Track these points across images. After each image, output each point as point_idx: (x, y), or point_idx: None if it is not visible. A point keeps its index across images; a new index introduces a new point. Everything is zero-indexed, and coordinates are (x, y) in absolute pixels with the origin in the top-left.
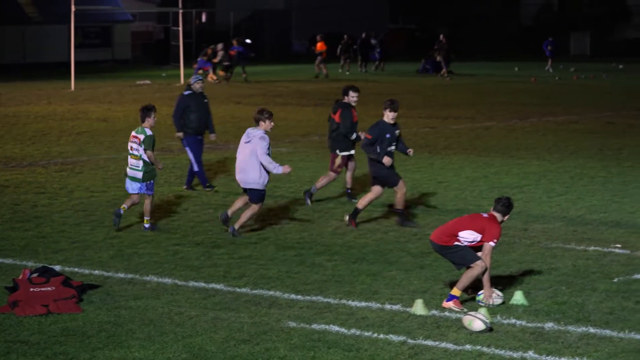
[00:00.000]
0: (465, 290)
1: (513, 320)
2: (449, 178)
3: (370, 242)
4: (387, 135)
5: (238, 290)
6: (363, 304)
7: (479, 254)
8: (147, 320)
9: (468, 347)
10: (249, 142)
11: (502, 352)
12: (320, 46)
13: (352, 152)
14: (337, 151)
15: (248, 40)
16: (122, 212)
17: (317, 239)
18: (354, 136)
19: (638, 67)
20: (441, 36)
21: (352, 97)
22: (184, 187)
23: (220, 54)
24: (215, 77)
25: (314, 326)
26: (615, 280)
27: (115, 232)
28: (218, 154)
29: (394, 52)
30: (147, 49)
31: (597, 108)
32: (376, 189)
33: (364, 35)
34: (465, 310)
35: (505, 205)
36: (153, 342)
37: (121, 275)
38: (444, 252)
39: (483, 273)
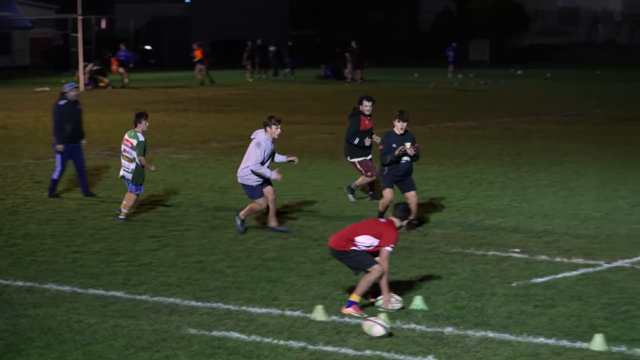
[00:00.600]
0: (364, 295)
1: (413, 325)
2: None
3: (270, 248)
4: (394, 145)
5: (138, 297)
6: (263, 310)
7: (377, 259)
8: (46, 328)
9: (368, 352)
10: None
11: (402, 357)
12: (197, 54)
13: (361, 159)
14: (348, 158)
15: (148, 47)
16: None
17: (217, 246)
18: (355, 141)
19: (536, 73)
20: (353, 42)
21: (364, 107)
22: (81, 194)
23: (90, 66)
24: (106, 81)
25: (214, 333)
26: (514, 284)
27: (13, 240)
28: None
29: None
30: (46, 56)
31: (496, 114)
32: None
33: (259, 42)
34: (365, 315)
35: (404, 210)
36: (52, 351)
37: (19, 283)
38: (342, 257)
39: (381, 278)
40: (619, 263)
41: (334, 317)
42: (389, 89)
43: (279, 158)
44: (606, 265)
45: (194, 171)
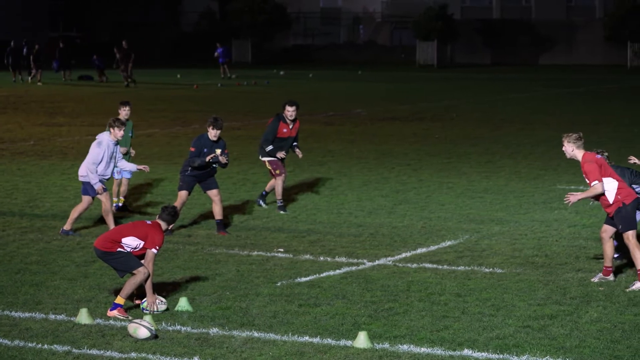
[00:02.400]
0: (130, 297)
1: (178, 327)
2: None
3: (33, 251)
4: (205, 150)
5: None
6: (27, 314)
7: (143, 261)
8: None
9: (134, 354)
10: None
11: (168, 359)
12: None
13: (271, 158)
14: (260, 156)
15: None
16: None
17: None
18: (267, 148)
19: (299, 73)
20: (123, 42)
21: (287, 112)
22: None
23: None
24: None
25: None
26: (279, 284)
27: None
28: None
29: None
30: None
31: (259, 114)
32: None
33: (12, 43)
34: (130, 318)
35: (171, 214)
36: None
37: None
38: (107, 258)
39: (146, 280)
40: (381, 261)
41: (99, 320)
42: (151, 90)
43: (128, 166)
44: (369, 264)
45: None
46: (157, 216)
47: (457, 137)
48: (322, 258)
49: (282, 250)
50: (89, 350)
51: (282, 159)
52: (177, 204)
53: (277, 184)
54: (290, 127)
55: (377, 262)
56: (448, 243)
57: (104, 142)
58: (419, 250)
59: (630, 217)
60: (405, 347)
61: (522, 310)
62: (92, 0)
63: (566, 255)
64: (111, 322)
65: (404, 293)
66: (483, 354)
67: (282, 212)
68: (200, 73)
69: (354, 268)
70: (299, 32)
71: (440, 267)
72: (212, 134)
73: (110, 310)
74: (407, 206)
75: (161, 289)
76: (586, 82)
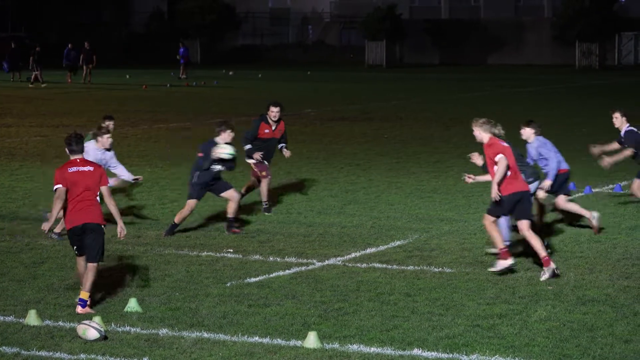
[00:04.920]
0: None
1: (128, 328)
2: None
3: None
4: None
5: None
6: None
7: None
8: None
9: (83, 356)
10: None
11: None
12: None
13: (254, 162)
14: (246, 158)
15: None
16: None
17: None
18: (246, 146)
19: (248, 74)
20: (86, 43)
21: (271, 112)
22: None
23: None
24: None
25: None
26: (228, 284)
27: None
28: None
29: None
30: None
31: (209, 114)
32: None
33: None
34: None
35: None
36: None
37: None
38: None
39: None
40: (331, 261)
41: (48, 322)
42: (100, 91)
43: (126, 175)
44: (319, 264)
45: None
46: None
47: (407, 137)
48: (271, 258)
49: (231, 250)
50: (38, 351)
51: (259, 162)
52: (185, 212)
53: (262, 186)
54: (273, 128)
55: (326, 262)
56: (397, 243)
57: (90, 152)
58: (369, 250)
59: (500, 205)
60: (354, 346)
61: (471, 310)
62: (41, 0)
63: (515, 255)
64: (60, 323)
65: (354, 293)
66: (433, 353)
67: (267, 213)
68: (149, 74)
69: (303, 268)
70: (248, 32)
71: (389, 266)
72: (229, 137)
73: (82, 308)
74: (356, 206)
75: (111, 289)
76: (535, 81)
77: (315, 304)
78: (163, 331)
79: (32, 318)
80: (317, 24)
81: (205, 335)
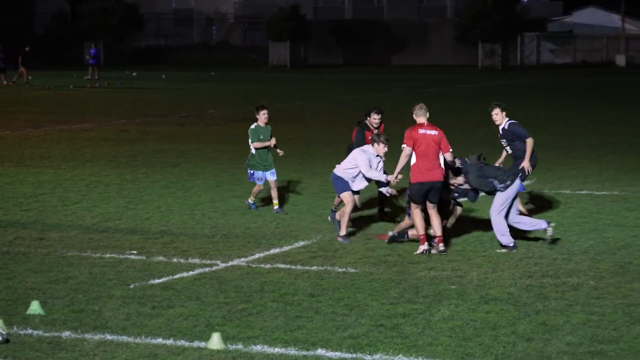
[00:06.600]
0: None
1: (30, 331)
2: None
3: None
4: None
5: None
6: None
7: None
8: None
9: None
10: None
11: None
12: None
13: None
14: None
15: None
16: None
17: None
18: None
19: (152, 75)
20: (26, 47)
21: (373, 120)
22: None
23: None
24: None
25: None
26: (132, 286)
27: None
28: None
29: None
30: None
31: (112, 116)
32: None
33: None
34: None
35: None
36: None
37: None
38: None
39: None
40: (235, 262)
41: None
42: (3, 92)
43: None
44: (223, 265)
45: None
46: None
47: (311, 137)
48: (175, 259)
49: (135, 252)
50: None
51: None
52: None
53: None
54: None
55: (230, 263)
56: (301, 243)
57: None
58: (273, 251)
59: (412, 193)
60: (258, 347)
61: (375, 310)
62: None
63: (418, 255)
64: None
65: (258, 294)
66: (336, 353)
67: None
68: (52, 75)
69: (207, 269)
70: (152, 33)
71: (293, 267)
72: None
73: None
74: (261, 207)
75: (13, 292)
76: (439, 82)
77: (219, 305)
78: (66, 334)
79: None
80: (221, 24)
81: (109, 337)
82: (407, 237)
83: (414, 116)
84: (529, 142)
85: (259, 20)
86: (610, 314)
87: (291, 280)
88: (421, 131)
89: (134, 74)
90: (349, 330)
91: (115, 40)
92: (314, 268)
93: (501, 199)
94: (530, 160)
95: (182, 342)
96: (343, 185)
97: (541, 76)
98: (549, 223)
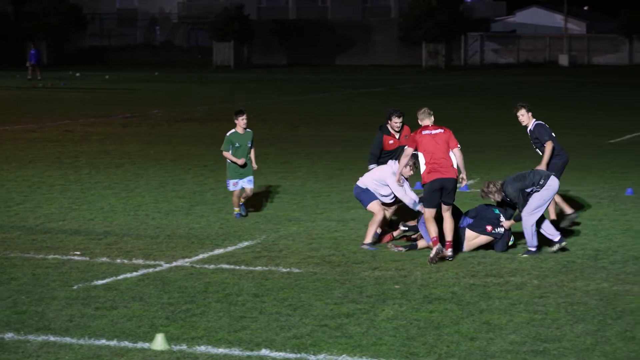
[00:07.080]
0: None
1: None
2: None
3: None
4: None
5: None
6: None
7: None
8: None
9: None
10: None
11: None
12: None
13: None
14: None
15: None
16: None
17: None
18: (370, 166)
19: (95, 75)
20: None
21: (394, 123)
22: None
23: None
24: None
25: None
26: (75, 287)
27: None
28: None
29: None
30: None
31: (55, 116)
32: None
33: None
34: None
35: None
36: None
37: None
38: None
39: None
40: (179, 262)
41: None
42: None
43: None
44: (166, 265)
45: None
46: None
47: (255, 137)
48: (118, 260)
49: (78, 253)
50: None
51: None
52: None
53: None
54: (397, 137)
55: (174, 264)
56: (245, 243)
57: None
58: (217, 251)
59: (425, 196)
60: (202, 348)
61: (319, 310)
62: None
63: (362, 254)
64: None
65: (202, 294)
66: (280, 353)
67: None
68: None
69: (151, 270)
70: (96, 33)
71: (237, 267)
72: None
73: None
74: (204, 207)
75: None
76: (383, 82)
77: (163, 305)
78: (8, 335)
79: None
80: (165, 24)
81: (52, 338)
82: (417, 247)
83: (419, 121)
84: (548, 145)
85: (202, 20)
86: (553, 312)
87: (235, 281)
88: (425, 132)
89: (77, 74)
90: (293, 330)
91: (58, 40)
92: (258, 268)
93: (536, 201)
94: (553, 160)
95: (126, 343)
96: (369, 196)
97: (484, 76)
98: (560, 241)
